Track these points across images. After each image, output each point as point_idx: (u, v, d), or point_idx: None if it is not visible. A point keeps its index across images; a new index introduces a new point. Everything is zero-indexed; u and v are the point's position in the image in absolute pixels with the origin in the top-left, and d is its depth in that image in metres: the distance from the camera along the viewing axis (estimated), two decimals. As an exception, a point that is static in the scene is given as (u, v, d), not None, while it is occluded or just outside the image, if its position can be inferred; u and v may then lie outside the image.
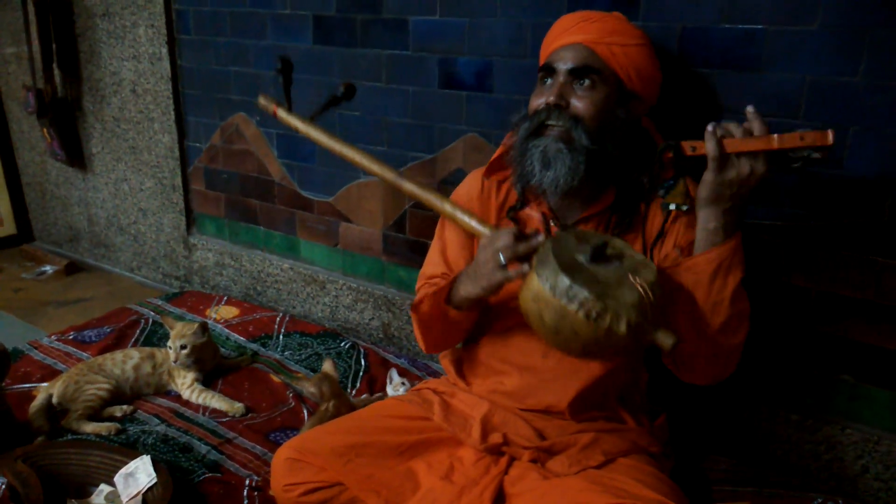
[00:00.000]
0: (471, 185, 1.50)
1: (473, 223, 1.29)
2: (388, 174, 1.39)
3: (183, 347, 1.92)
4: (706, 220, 1.18)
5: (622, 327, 1.05)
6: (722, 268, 1.19)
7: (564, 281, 1.07)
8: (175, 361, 1.92)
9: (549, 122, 1.30)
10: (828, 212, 1.52)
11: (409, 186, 1.37)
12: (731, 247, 1.18)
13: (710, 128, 1.11)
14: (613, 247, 1.17)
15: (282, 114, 1.54)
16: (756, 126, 1.10)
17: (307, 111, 1.54)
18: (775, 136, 1.08)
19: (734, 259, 1.19)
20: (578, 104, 1.29)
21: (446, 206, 1.33)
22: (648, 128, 1.39)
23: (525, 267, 1.16)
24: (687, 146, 1.16)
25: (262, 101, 1.58)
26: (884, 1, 1.37)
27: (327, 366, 1.75)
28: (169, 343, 1.93)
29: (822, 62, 1.46)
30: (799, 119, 1.50)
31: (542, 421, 1.41)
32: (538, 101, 1.33)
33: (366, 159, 1.41)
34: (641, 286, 1.09)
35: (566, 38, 1.34)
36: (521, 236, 1.20)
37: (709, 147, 1.11)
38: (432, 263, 1.52)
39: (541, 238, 1.18)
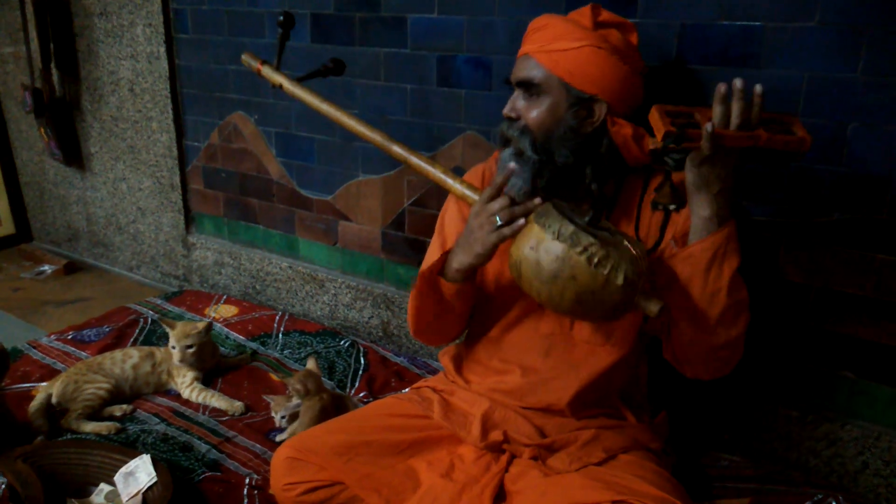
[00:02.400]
0: (472, 177, 1.51)
1: (464, 189, 1.31)
2: (377, 137, 1.41)
3: (189, 347, 1.93)
4: (699, 207, 1.18)
5: (620, 278, 1.08)
6: (717, 255, 1.19)
7: (569, 226, 1.10)
8: (181, 361, 1.93)
9: (507, 134, 1.35)
10: (827, 208, 1.52)
11: (399, 150, 1.39)
12: (726, 234, 1.18)
13: (708, 127, 1.09)
14: (604, 223, 1.21)
15: (267, 70, 1.54)
16: (755, 113, 1.09)
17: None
18: (763, 133, 1.09)
19: (729, 247, 1.19)
20: (526, 115, 1.33)
21: (437, 171, 1.35)
22: (619, 129, 1.31)
23: (521, 221, 1.18)
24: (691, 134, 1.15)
25: (245, 57, 1.58)
26: (883, -3, 1.37)
27: (310, 363, 1.77)
28: (172, 343, 1.93)
29: (821, 59, 1.46)
30: (798, 116, 1.50)
31: (543, 418, 1.41)
32: (504, 111, 1.37)
33: (352, 121, 1.43)
34: (635, 249, 1.13)
35: (521, 49, 1.37)
36: (515, 201, 1.23)
37: (705, 145, 1.09)
38: (432, 258, 1.52)
39: (538, 200, 1.22)
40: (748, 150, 1.12)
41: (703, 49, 1.57)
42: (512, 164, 1.27)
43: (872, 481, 1.60)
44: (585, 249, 1.08)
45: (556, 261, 1.09)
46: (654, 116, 1.16)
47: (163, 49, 2.65)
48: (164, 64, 2.67)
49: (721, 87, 1.09)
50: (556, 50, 1.29)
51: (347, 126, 1.43)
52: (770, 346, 1.66)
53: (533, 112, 1.32)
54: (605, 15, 1.35)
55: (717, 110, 1.09)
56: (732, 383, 1.70)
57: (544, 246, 1.11)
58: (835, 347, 1.59)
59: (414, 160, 1.37)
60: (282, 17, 1.53)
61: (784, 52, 1.49)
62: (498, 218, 1.21)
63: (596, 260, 1.07)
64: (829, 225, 1.53)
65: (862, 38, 1.41)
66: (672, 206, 1.20)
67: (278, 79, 1.50)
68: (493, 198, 1.25)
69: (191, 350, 1.93)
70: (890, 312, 1.51)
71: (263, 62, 1.53)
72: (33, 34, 2.91)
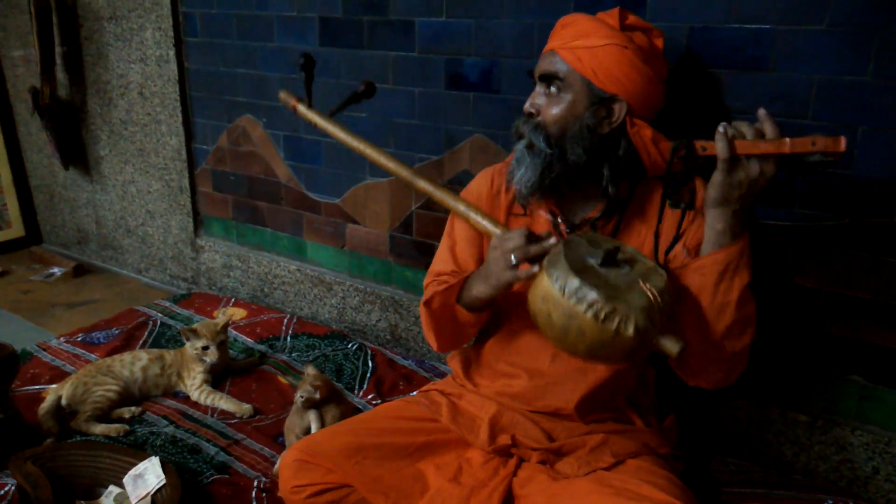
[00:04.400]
0: (480, 183, 1.51)
1: (486, 223, 1.30)
2: (403, 172, 1.41)
3: (222, 343, 2.00)
4: (714, 220, 1.18)
5: (630, 330, 1.06)
6: (729, 269, 1.18)
7: (574, 282, 1.07)
8: (218, 360, 1.98)
9: (521, 129, 1.35)
10: (837, 212, 1.52)
11: (424, 184, 1.39)
12: (739, 248, 1.18)
13: (721, 129, 1.10)
14: (624, 252, 1.18)
15: (302, 109, 1.55)
16: (768, 128, 1.10)
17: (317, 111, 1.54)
18: (787, 140, 1.07)
19: (741, 261, 1.19)
20: (545, 111, 1.33)
21: (460, 206, 1.34)
22: (637, 130, 1.31)
23: (535, 268, 1.16)
24: (698, 145, 1.16)
25: (282, 95, 1.60)
26: (892, 1, 1.37)
27: (311, 370, 1.73)
28: (204, 343, 1.96)
29: (830, 62, 1.45)
30: (808, 119, 1.49)
31: (551, 422, 1.41)
32: (524, 106, 1.37)
33: (382, 157, 1.43)
34: (651, 291, 1.10)
35: (547, 45, 1.36)
36: (532, 238, 1.21)
37: (719, 148, 1.10)
38: (441, 260, 1.52)
39: (553, 241, 1.19)
40: (780, 161, 1.10)
41: (711, 52, 1.57)
42: (553, 241, 1.21)
43: (884, 487, 1.59)
44: (591, 306, 1.06)
45: (565, 317, 1.09)
46: (664, 147, 1.18)
47: (172, 52, 2.66)
48: (174, 67, 2.68)
49: (720, 128, 1.11)
50: (580, 47, 1.29)
51: (377, 162, 1.44)
52: (779, 350, 1.65)
53: (552, 109, 1.31)
54: (633, 18, 1.35)
55: (719, 145, 1.11)
56: (741, 388, 1.69)
57: (553, 300, 1.09)
58: (844, 352, 1.58)
59: (438, 194, 1.37)
60: (302, 60, 1.53)
61: (793, 55, 1.49)
62: (513, 257, 1.21)
63: (602, 316, 1.05)
64: (839, 228, 1.52)
65: (872, 40, 1.40)
66: (682, 205, 1.20)
67: (312, 117, 1.52)
68: (510, 238, 1.23)
69: (223, 345, 2.00)
70: (900, 317, 1.50)
71: (299, 99, 1.55)
72: (34, 37, 2.92)
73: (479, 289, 1.32)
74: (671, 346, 1.08)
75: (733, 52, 1.55)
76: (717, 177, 1.14)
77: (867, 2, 1.39)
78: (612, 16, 1.33)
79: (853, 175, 1.48)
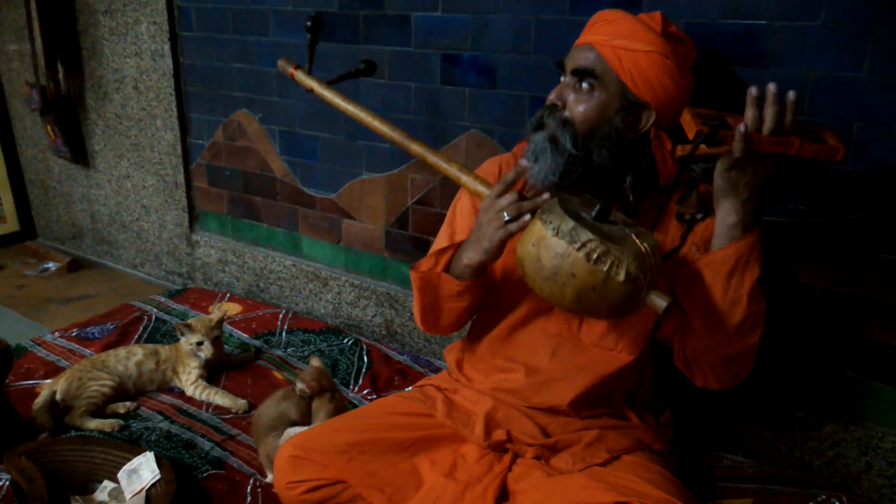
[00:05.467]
0: (488, 169, 1.49)
1: (478, 185, 1.29)
2: (397, 135, 1.42)
3: (216, 339, 1.99)
4: (726, 213, 1.17)
5: (621, 275, 1.05)
6: (740, 264, 1.17)
7: (569, 223, 1.08)
8: (213, 355, 1.97)
9: (545, 121, 1.30)
10: (832, 208, 1.52)
11: (417, 148, 1.39)
12: (750, 243, 1.17)
13: (741, 128, 1.06)
14: (617, 216, 1.18)
15: (300, 75, 1.56)
16: (788, 119, 1.07)
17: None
18: (796, 140, 1.07)
19: (752, 255, 1.18)
20: (573, 107, 1.27)
21: (452, 168, 1.34)
22: (659, 142, 1.29)
23: (527, 217, 1.16)
24: (719, 136, 1.12)
25: (281, 63, 1.62)
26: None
27: (316, 361, 1.74)
28: (198, 339, 1.95)
29: (826, 58, 1.45)
30: (803, 115, 1.49)
31: (546, 418, 1.40)
32: (549, 97, 1.32)
33: (376, 121, 1.44)
34: (643, 245, 1.09)
35: (583, 37, 1.31)
36: (524, 197, 1.20)
37: (737, 146, 1.07)
38: (439, 245, 1.49)
39: (546, 196, 1.18)
40: (780, 159, 1.11)
41: (707, 48, 1.57)
42: (524, 162, 1.24)
43: (877, 482, 1.60)
44: (584, 245, 1.05)
45: (556, 257, 1.08)
46: (686, 118, 1.13)
47: (167, 47, 2.65)
48: (169, 61, 2.67)
49: (753, 90, 1.07)
50: (623, 48, 1.24)
51: (372, 126, 1.45)
52: (774, 346, 1.65)
53: (581, 106, 1.26)
54: (673, 28, 1.31)
55: (749, 114, 1.07)
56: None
57: (545, 242, 1.09)
58: (839, 347, 1.59)
59: (431, 158, 1.36)
60: (309, 22, 1.52)
61: (789, 51, 1.49)
62: (506, 213, 1.19)
63: (595, 256, 1.05)
64: (835, 224, 1.52)
65: (868, 37, 1.41)
66: (699, 216, 1.19)
67: (309, 83, 1.53)
68: (501, 193, 1.22)
69: (217, 341, 1.99)
70: (895, 312, 1.50)
71: (297, 67, 1.56)
72: (37, 32, 2.92)
73: (469, 255, 1.28)
74: (659, 301, 1.07)
75: (729, 48, 1.54)
76: (723, 165, 1.13)
77: (863, -2, 1.40)
78: (655, 20, 1.28)
79: (848, 171, 1.48)
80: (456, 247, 1.35)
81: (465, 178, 1.31)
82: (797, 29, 1.47)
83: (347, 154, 2.31)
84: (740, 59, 1.53)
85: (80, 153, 3.18)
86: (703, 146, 1.11)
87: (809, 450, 1.66)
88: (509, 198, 1.20)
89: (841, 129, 1.47)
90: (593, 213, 1.13)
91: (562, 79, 1.31)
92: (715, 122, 1.12)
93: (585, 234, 1.06)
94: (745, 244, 1.17)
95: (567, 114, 1.27)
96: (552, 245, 1.08)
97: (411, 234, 2.23)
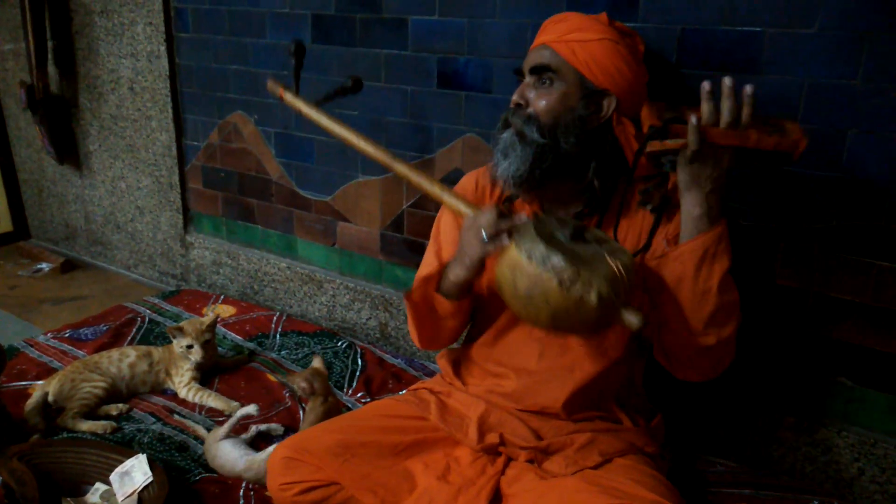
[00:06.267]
0: (465, 184, 1.54)
1: (460, 204, 1.32)
2: (381, 155, 1.43)
3: (207, 342, 1.97)
4: (691, 205, 1.18)
5: (592, 298, 1.06)
6: (708, 255, 1.19)
7: (541, 248, 1.09)
8: (202, 359, 1.95)
9: (510, 120, 1.35)
10: (825, 214, 1.53)
11: (401, 168, 1.40)
12: (717, 234, 1.18)
13: (693, 120, 1.10)
14: (592, 233, 1.20)
15: (288, 96, 1.56)
16: (745, 112, 1.09)
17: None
18: (753, 133, 1.09)
19: (720, 247, 1.19)
20: (535, 102, 1.33)
21: (435, 188, 1.36)
22: (623, 128, 1.33)
23: (504, 238, 1.19)
24: (673, 130, 1.15)
25: (269, 83, 1.61)
26: (883, 4, 1.37)
27: (317, 362, 1.75)
28: (188, 342, 1.94)
29: (821, 65, 1.46)
30: (797, 122, 1.50)
31: (539, 421, 1.41)
32: (512, 98, 1.38)
33: (362, 141, 1.45)
34: (616, 265, 1.11)
35: (537, 41, 1.38)
36: (503, 215, 1.23)
37: (691, 139, 1.10)
38: (427, 264, 1.53)
39: (523, 216, 1.21)
40: (740, 152, 1.12)
41: (703, 54, 1.58)
42: (523, 215, 1.24)
43: (868, 488, 1.60)
44: (555, 272, 1.07)
45: (529, 282, 1.09)
46: (644, 112, 1.17)
47: (163, 48, 2.64)
48: (165, 63, 2.66)
49: (706, 84, 1.10)
50: (575, 40, 1.31)
51: (358, 147, 1.46)
52: (767, 352, 1.66)
53: (543, 101, 1.32)
54: (619, 24, 1.39)
55: (703, 108, 1.11)
56: (729, 388, 1.70)
57: (519, 267, 1.11)
58: (832, 354, 1.59)
59: (415, 178, 1.38)
60: (293, 47, 1.54)
61: (784, 57, 1.49)
62: (484, 232, 1.23)
63: (567, 282, 1.06)
64: (828, 231, 1.53)
65: (862, 44, 1.41)
66: (649, 206, 1.21)
67: (297, 104, 1.53)
68: (481, 215, 1.26)
69: (208, 344, 1.98)
70: (887, 319, 1.51)
71: (285, 87, 1.55)
72: (30, 31, 2.91)
73: (455, 272, 1.33)
74: (633, 319, 1.08)
75: (725, 54, 1.55)
76: (684, 160, 1.15)
77: (858, 6, 1.40)
78: (602, 16, 1.37)
79: (842, 177, 1.49)
80: (441, 271, 1.39)
81: (446, 198, 1.35)
82: (792, 36, 1.48)
83: (343, 156, 2.31)
84: (736, 66, 1.54)
85: (66, 154, 3.17)
86: (657, 142, 1.14)
87: (802, 455, 1.67)
88: (488, 217, 1.23)
89: (835, 136, 1.48)
90: (568, 234, 1.15)
91: (525, 81, 1.37)
92: (670, 116, 1.14)
93: (556, 259, 1.08)
94: (711, 235, 1.18)
95: (531, 110, 1.33)
96: (525, 270, 1.10)
97: (406, 237, 2.23)
